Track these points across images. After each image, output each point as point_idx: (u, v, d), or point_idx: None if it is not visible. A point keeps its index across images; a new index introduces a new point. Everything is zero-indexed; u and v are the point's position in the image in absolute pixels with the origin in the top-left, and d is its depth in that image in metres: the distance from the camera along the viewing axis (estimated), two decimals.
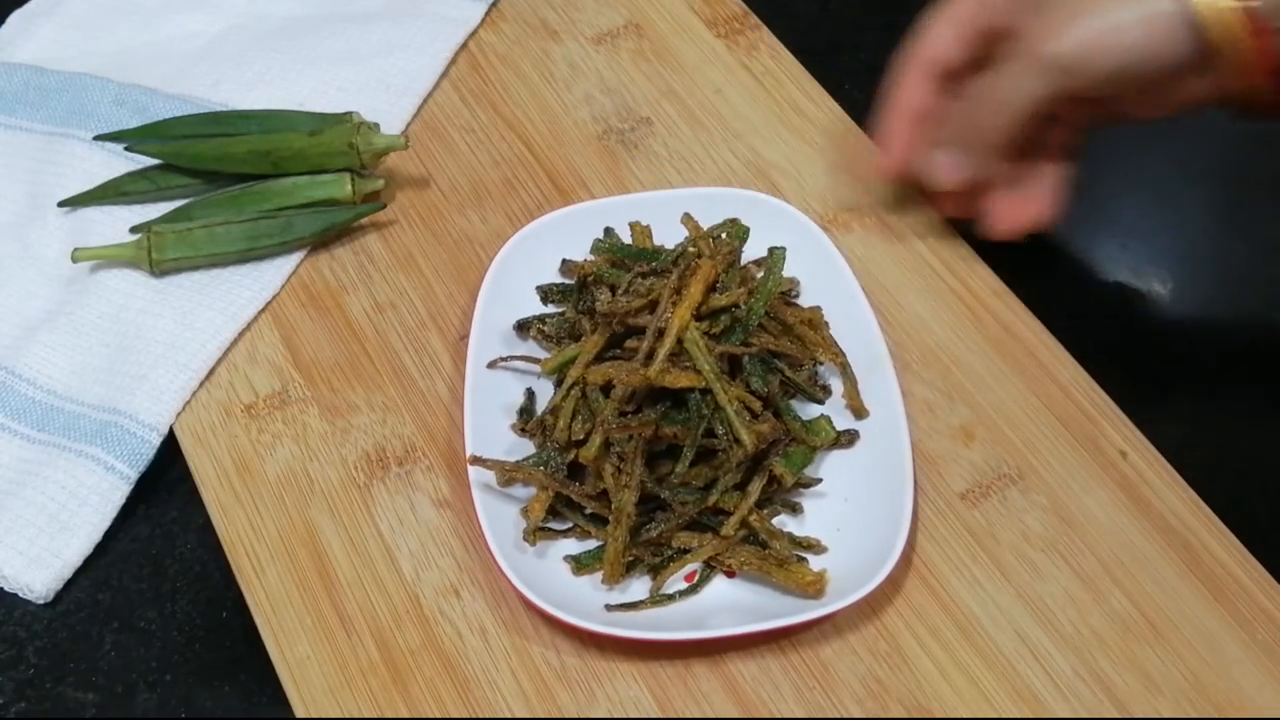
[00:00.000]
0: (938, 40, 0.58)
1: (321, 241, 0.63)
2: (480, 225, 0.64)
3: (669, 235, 0.60)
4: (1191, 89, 0.53)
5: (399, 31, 0.72)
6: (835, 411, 0.56)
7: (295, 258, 0.63)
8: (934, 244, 0.62)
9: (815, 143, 0.66)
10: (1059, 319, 0.61)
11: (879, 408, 0.55)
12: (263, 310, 0.61)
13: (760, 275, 0.57)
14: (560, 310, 0.59)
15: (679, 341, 0.52)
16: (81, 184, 0.65)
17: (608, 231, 0.60)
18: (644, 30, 0.72)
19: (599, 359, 0.54)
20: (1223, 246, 0.65)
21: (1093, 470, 0.55)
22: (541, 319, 0.58)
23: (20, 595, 0.54)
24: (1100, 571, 0.52)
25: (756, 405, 0.52)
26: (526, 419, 0.56)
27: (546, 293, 0.59)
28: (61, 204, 0.65)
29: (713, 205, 0.60)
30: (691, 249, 0.57)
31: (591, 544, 0.53)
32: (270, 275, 0.62)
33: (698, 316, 0.53)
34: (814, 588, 0.50)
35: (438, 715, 0.49)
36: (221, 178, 0.65)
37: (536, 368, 0.57)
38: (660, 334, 0.52)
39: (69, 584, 0.54)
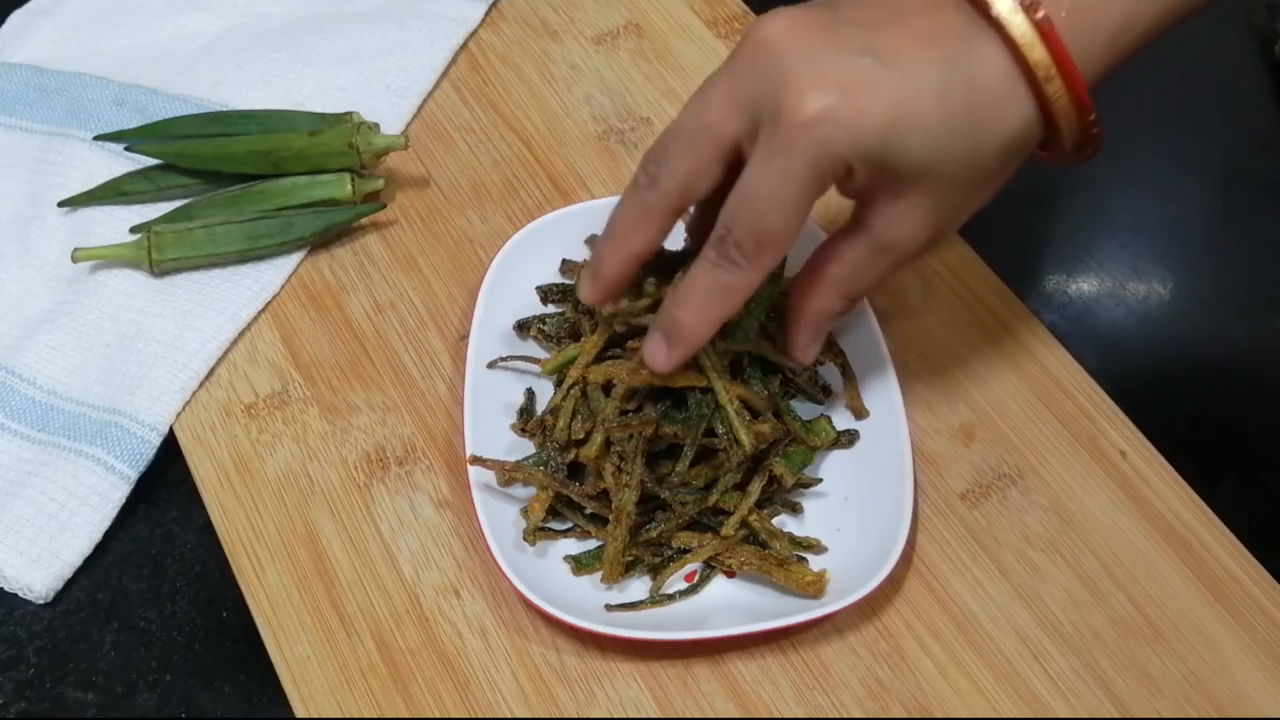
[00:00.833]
0: (788, 236, 0.45)
1: (321, 241, 0.63)
2: (480, 225, 0.64)
3: (669, 236, 0.59)
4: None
5: (399, 31, 0.72)
6: (835, 411, 0.56)
7: (295, 258, 0.63)
8: None
9: None
10: (1059, 319, 0.61)
11: (879, 408, 0.55)
12: (263, 310, 0.61)
13: None
14: (560, 310, 0.59)
15: None
16: (81, 184, 0.65)
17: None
18: (644, 30, 0.72)
19: (599, 359, 0.54)
20: (1223, 246, 0.65)
21: (1093, 470, 0.55)
22: (541, 319, 0.58)
23: (20, 595, 0.54)
24: (1100, 571, 0.52)
25: (761, 403, 0.52)
26: (526, 419, 0.56)
27: (546, 293, 0.59)
28: (61, 204, 0.65)
29: None
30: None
31: (591, 544, 0.53)
32: (270, 275, 0.62)
33: None
34: (814, 588, 0.50)
35: (438, 715, 0.49)
36: (221, 178, 0.65)
37: (536, 368, 0.57)
38: None
39: (69, 584, 0.54)
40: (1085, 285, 0.63)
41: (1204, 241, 0.66)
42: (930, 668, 0.50)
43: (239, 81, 0.69)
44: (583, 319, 0.56)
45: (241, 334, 0.60)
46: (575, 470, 0.53)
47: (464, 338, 0.58)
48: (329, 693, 0.50)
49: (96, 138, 0.66)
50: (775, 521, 0.53)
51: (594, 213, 0.61)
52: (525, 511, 0.53)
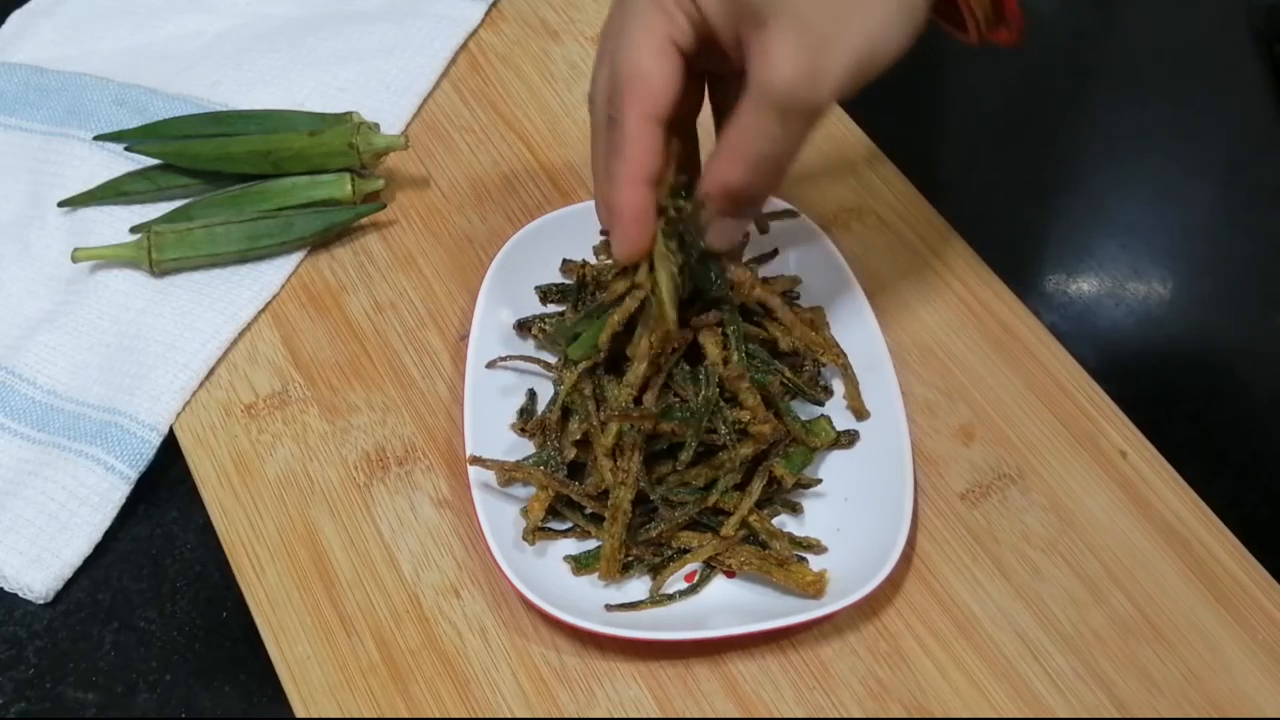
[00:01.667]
0: (648, 76, 0.46)
1: (321, 241, 0.63)
2: (480, 225, 0.64)
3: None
4: None
5: (399, 31, 0.72)
6: (835, 412, 0.56)
7: (295, 258, 0.63)
8: (934, 244, 0.62)
9: (815, 143, 0.66)
10: (1059, 319, 0.61)
11: (879, 408, 0.55)
12: (262, 310, 0.61)
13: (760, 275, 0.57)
14: (560, 310, 0.59)
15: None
16: (81, 184, 0.65)
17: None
18: None
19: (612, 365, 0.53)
20: (1223, 246, 0.65)
21: (1093, 470, 0.55)
22: (541, 319, 0.58)
23: (20, 595, 0.54)
24: (1100, 571, 0.52)
25: (775, 386, 0.53)
26: (526, 419, 0.56)
27: (546, 293, 0.59)
28: (61, 204, 0.65)
29: None
30: None
31: (591, 544, 0.53)
32: (270, 275, 0.62)
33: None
34: (814, 588, 0.50)
35: (438, 715, 0.49)
36: (221, 178, 0.65)
37: (536, 367, 0.57)
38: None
39: (69, 584, 0.54)
40: (1085, 285, 0.63)
41: (1204, 241, 0.66)
42: (930, 668, 0.50)
43: (239, 81, 0.69)
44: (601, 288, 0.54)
45: (241, 334, 0.60)
46: (575, 470, 0.53)
47: (464, 338, 0.58)
48: (329, 693, 0.50)
49: (96, 138, 0.66)
50: (775, 521, 0.53)
51: (594, 213, 0.61)
52: (525, 511, 0.53)
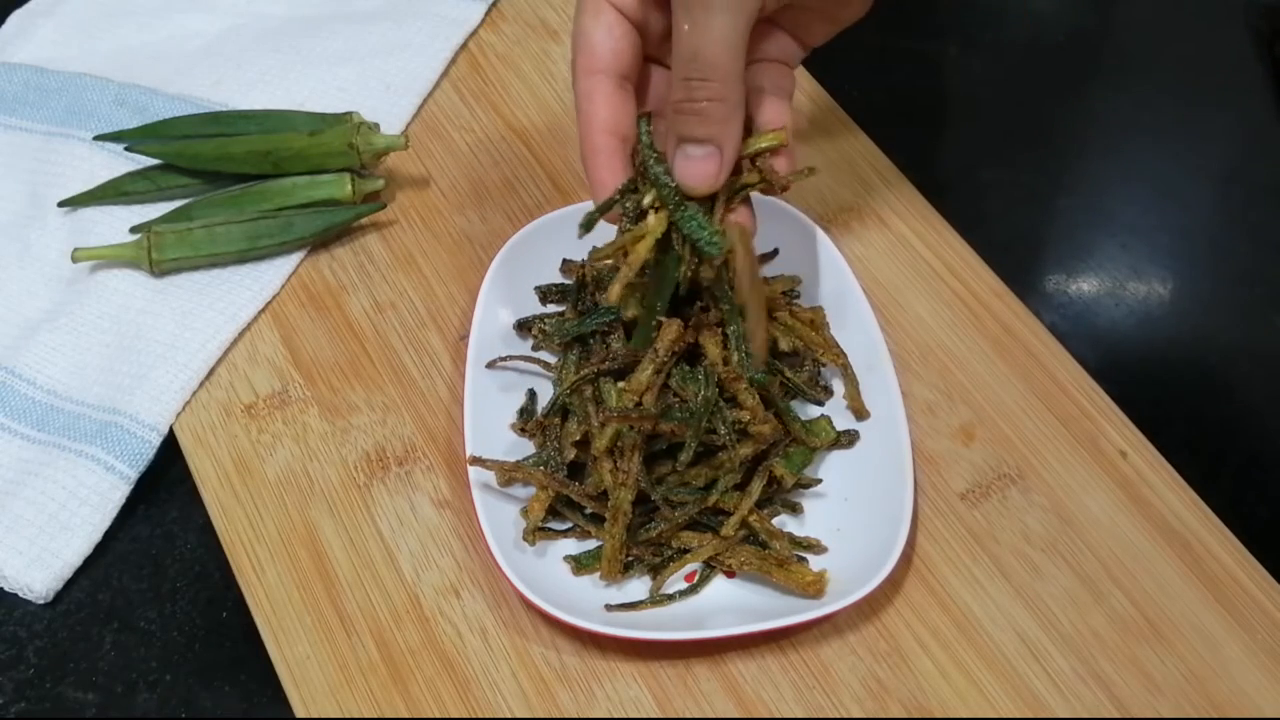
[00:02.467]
0: (587, 34, 0.49)
1: (321, 241, 0.63)
2: (480, 225, 0.64)
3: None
4: None
5: (399, 31, 0.72)
6: (835, 412, 0.56)
7: (295, 258, 0.63)
8: (934, 244, 0.62)
9: (815, 143, 0.66)
10: (1059, 319, 0.61)
11: (879, 408, 0.55)
12: (262, 310, 0.61)
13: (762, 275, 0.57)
14: (560, 310, 0.59)
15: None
16: (81, 184, 0.65)
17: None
18: None
19: (592, 379, 0.53)
20: (1223, 246, 0.65)
21: (1093, 470, 0.55)
22: (541, 319, 0.58)
23: (20, 595, 0.54)
24: (1100, 571, 0.52)
25: (775, 386, 0.52)
26: (526, 419, 0.56)
27: (546, 293, 0.59)
28: (61, 204, 0.65)
29: None
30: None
31: (591, 544, 0.53)
32: (270, 275, 0.62)
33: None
34: (814, 588, 0.50)
35: (438, 715, 0.49)
36: (221, 178, 0.65)
37: (536, 367, 0.57)
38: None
39: (69, 584, 0.54)
40: (1085, 285, 0.63)
41: (1204, 241, 0.66)
42: (930, 668, 0.50)
43: (239, 81, 0.69)
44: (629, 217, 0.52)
45: (241, 334, 0.60)
46: (575, 470, 0.53)
47: (464, 338, 0.58)
48: (329, 693, 0.50)
49: (96, 138, 0.66)
50: (775, 521, 0.53)
51: None
52: (525, 511, 0.53)
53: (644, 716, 0.49)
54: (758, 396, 0.52)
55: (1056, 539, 0.53)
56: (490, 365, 0.57)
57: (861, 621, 0.51)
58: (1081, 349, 0.59)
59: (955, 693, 0.49)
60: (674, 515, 0.52)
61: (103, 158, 0.66)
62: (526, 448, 0.55)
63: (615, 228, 0.52)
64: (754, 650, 0.50)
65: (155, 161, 0.65)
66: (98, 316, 0.61)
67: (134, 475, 0.56)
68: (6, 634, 0.53)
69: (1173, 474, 0.55)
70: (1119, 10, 0.77)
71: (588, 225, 0.51)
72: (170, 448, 0.57)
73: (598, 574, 0.52)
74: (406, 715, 0.49)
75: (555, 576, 0.52)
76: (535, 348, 0.58)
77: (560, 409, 0.54)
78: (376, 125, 0.65)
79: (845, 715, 0.49)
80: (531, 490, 0.53)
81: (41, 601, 0.54)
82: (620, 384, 0.52)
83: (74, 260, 0.61)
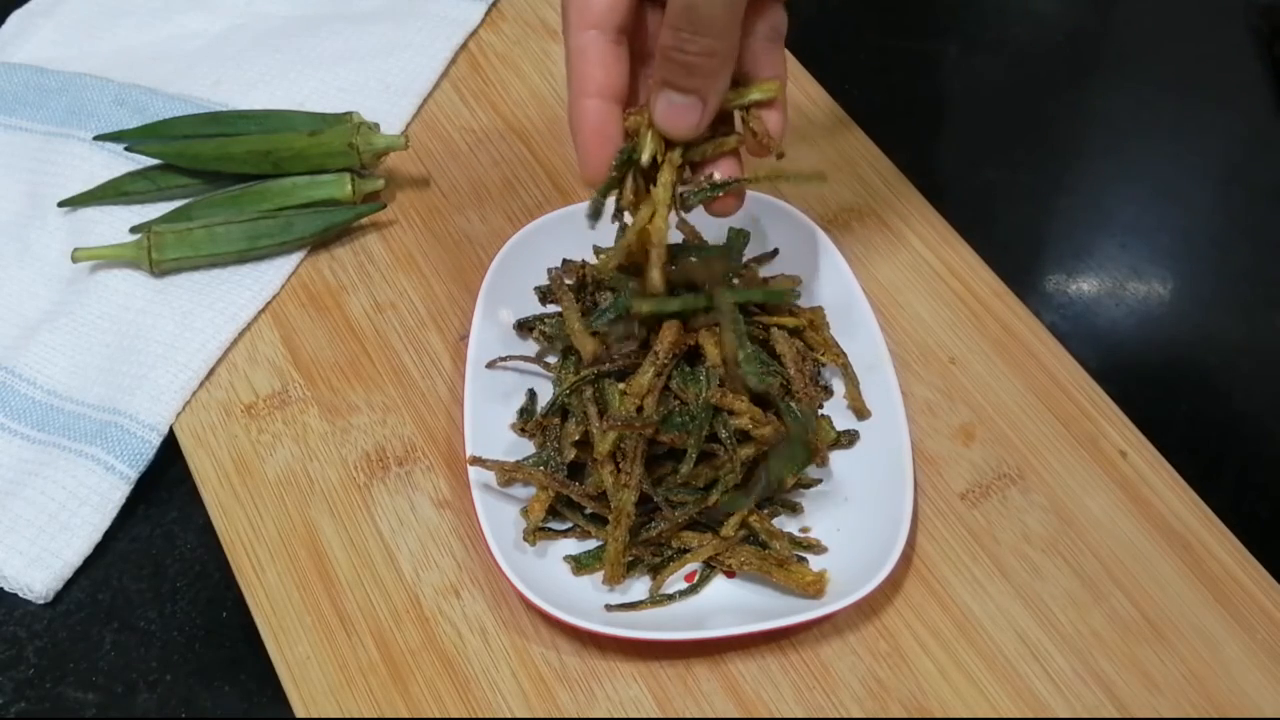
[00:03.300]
0: None
1: (321, 241, 0.63)
2: (480, 225, 0.64)
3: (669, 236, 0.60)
4: None
5: (399, 31, 0.72)
6: (835, 412, 0.56)
7: (295, 258, 0.63)
8: (934, 244, 0.62)
9: (815, 143, 0.66)
10: (1059, 319, 0.61)
11: (879, 408, 0.55)
12: (262, 310, 0.61)
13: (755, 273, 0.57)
14: (560, 310, 0.59)
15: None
16: (81, 184, 0.65)
17: (624, 229, 0.60)
18: None
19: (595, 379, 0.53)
20: (1223, 246, 0.65)
21: (1093, 470, 0.55)
22: (541, 319, 0.58)
23: (20, 595, 0.54)
24: (1100, 571, 0.52)
25: (775, 387, 0.52)
26: (526, 419, 0.56)
27: (546, 293, 0.59)
28: (61, 204, 0.65)
29: None
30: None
31: (591, 544, 0.53)
32: (270, 275, 0.62)
33: None
34: (814, 588, 0.50)
35: (438, 715, 0.49)
36: (221, 178, 0.65)
37: (536, 367, 0.57)
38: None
39: (69, 584, 0.54)
40: (1085, 285, 0.63)
41: (1204, 241, 0.66)
42: (930, 668, 0.50)
43: (239, 81, 0.69)
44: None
45: (241, 334, 0.60)
46: (575, 470, 0.53)
47: (464, 338, 0.58)
48: (329, 693, 0.50)
49: (96, 138, 0.66)
50: (775, 522, 0.53)
51: None
52: (525, 511, 0.53)
53: (644, 716, 0.49)
54: (748, 402, 0.52)
55: (1056, 539, 0.53)
56: (490, 365, 0.57)
57: (861, 621, 0.51)
58: (1081, 349, 0.59)
59: (955, 693, 0.49)
60: (674, 515, 0.51)
61: (103, 158, 0.66)
62: (526, 448, 0.55)
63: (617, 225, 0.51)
64: (754, 650, 0.50)
65: (155, 161, 0.65)
66: (98, 316, 0.61)
67: (134, 475, 0.56)
68: (6, 634, 0.53)
69: (1173, 474, 0.55)
70: (1119, 10, 0.77)
71: (596, 213, 0.49)
72: (170, 448, 0.57)
73: (598, 574, 0.52)
74: (406, 715, 0.49)
75: (555, 576, 0.52)
76: (539, 352, 0.58)
77: (560, 409, 0.54)
78: (376, 125, 0.65)
79: (845, 715, 0.49)
80: (531, 490, 0.53)
81: (41, 601, 0.54)
82: (621, 385, 0.52)
83: (74, 260, 0.61)
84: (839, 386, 0.57)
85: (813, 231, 0.59)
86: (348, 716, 0.49)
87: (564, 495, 0.52)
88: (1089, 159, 0.68)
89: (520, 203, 0.65)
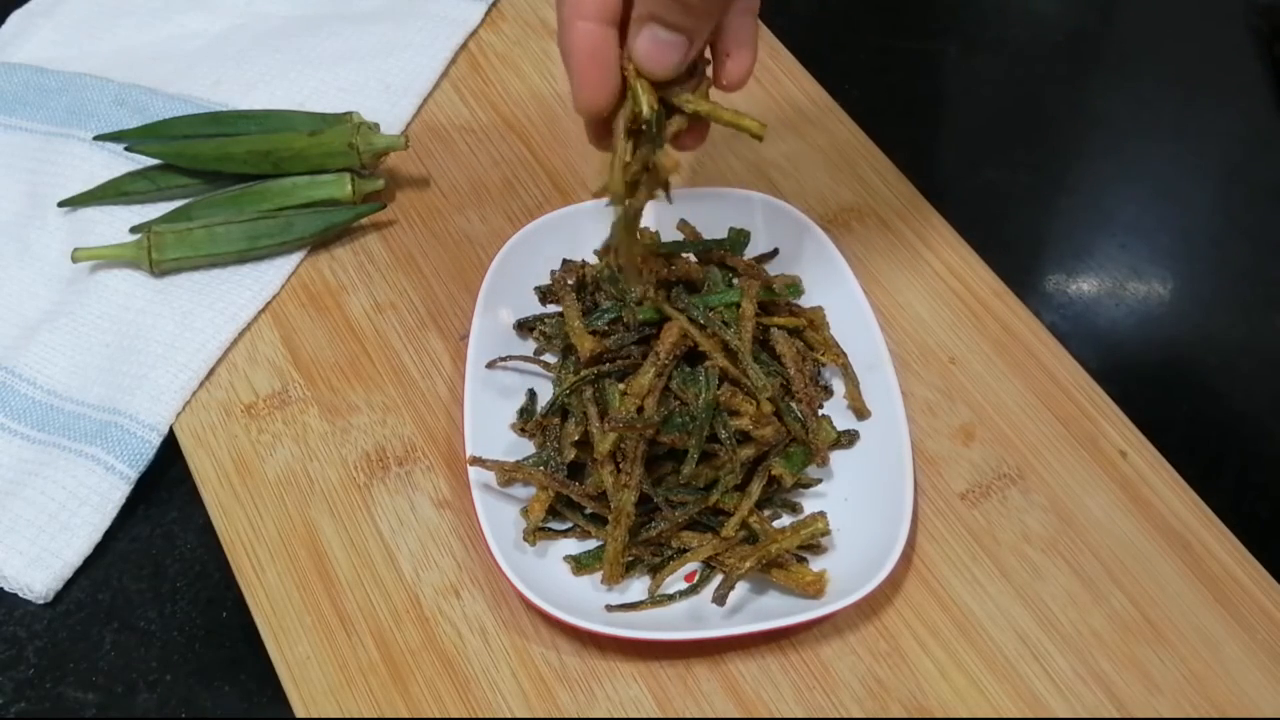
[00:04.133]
0: None
1: (321, 241, 0.63)
2: (480, 225, 0.64)
3: (670, 236, 0.60)
4: None
5: (399, 31, 0.72)
6: (835, 412, 0.56)
7: (295, 258, 0.63)
8: (934, 244, 0.62)
9: (815, 143, 0.66)
10: (1059, 319, 0.61)
11: (879, 408, 0.55)
12: (262, 310, 0.61)
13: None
14: (560, 310, 0.59)
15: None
16: (81, 184, 0.65)
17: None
18: None
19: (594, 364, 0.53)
20: (1222, 246, 0.65)
21: (1093, 470, 0.55)
22: (541, 319, 0.58)
23: (20, 595, 0.54)
24: (1100, 571, 0.52)
25: (774, 387, 0.53)
26: (526, 419, 0.56)
27: (546, 293, 0.59)
28: (61, 204, 0.65)
29: (712, 205, 0.60)
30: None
31: (591, 544, 0.53)
32: (270, 275, 0.62)
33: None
34: (814, 588, 0.50)
35: (438, 715, 0.49)
36: (221, 178, 0.65)
37: (536, 367, 0.57)
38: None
39: (69, 584, 0.54)
40: (1085, 285, 0.63)
41: (1204, 241, 0.66)
42: (930, 668, 0.50)
43: (239, 81, 0.69)
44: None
45: (241, 334, 0.60)
46: (575, 470, 0.53)
47: (464, 338, 0.58)
48: (329, 693, 0.50)
49: (96, 138, 0.66)
50: (775, 523, 0.53)
51: (594, 213, 0.61)
52: (525, 512, 0.53)
53: (644, 716, 0.49)
54: (755, 403, 0.52)
55: (1056, 539, 0.53)
56: (490, 365, 0.57)
57: (861, 621, 0.51)
58: (1081, 349, 0.59)
59: (955, 693, 0.49)
60: (674, 515, 0.51)
61: (103, 158, 0.66)
62: (526, 448, 0.55)
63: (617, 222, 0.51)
64: (754, 650, 0.50)
65: (155, 161, 0.65)
66: (98, 316, 0.61)
67: (134, 475, 0.56)
68: (6, 634, 0.53)
69: (1173, 474, 0.55)
70: (1119, 10, 0.77)
71: (615, 189, 0.46)
72: (170, 448, 0.57)
73: (598, 574, 0.52)
74: (406, 715, 0.49)
75: (555, 576, 0.52)
76: (538, 352, 0.58)
77: (560, 409, 0.54)
78: (376, 125, 0.65)
79: (845, 715, 0.49)
80: (532, 490, 0.53)
81: (41, 601, 0.54)
82: (621, 385, 0.52)
83: (74, 260, 0.61)
84: (839, 386, 0.57)
85: (813, 231, 0.59)
86: (348, 716, 0.49)
87: (564, 495, 0.52)
88: (1089, 159, 0.68)
89: (520, 203, 0.65)
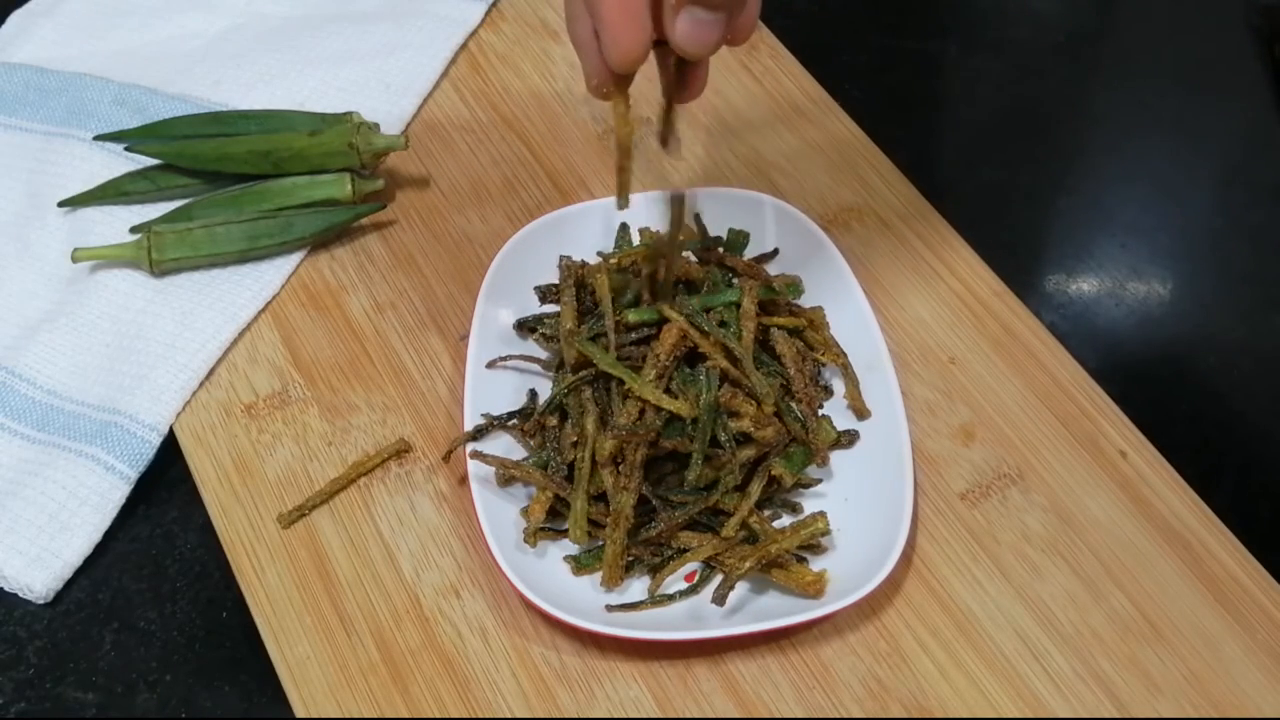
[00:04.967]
0: None
1: (321, 241, 0.63)
2: (480, 225, 0.64)
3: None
4: None
5: (399, 31, 0.72)
6: (835, 412, 0.56)
7: (295, 258, 0.63)
8: (934, 244, 0.62)
9: (815, 143, 0.66)
10: (1059, 319, 0.61)
11: (879, 408, 0.55)
12: (263, 310, 0.61)
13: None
14: (559, 310, 0.59)
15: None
16: (81, 184, 0.65)
17: (623, 228, 0.60)
18: None
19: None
20: (1223, 246, 0.65)
21: (1093, 470, 0.55)
22: (541, 319, 0.58)
23: (20, 595, 0.54)
24: (1100, 571, 0.52)
25: (774, 388, 0.52)
26: (526, 419, 0.56)
27: (546, 293, 0.59)
28: (61, 204, 0.65)
29: (713, 205, 0.60)
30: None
31: (591, 544, 0.53)
32: (270, 275, 0.62)
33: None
34: (814, 588, 0.50)
35: (438, 715, 0.49)
36: (221, 178, 0.65)
37: (536, 368, 0.57)
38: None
39: (69, 584, 0.54)
40: (1085, 285, 0.63)
41: (1204, 241, 0.66)
42: (930, 668, 0.50)
43: (239, 81, 0.69)
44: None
45: (241, 334, 0.60)
46: (574, 470, 0.53)
47: (464, 338, 0.58)
48: (329, 693, 0.50)
49: (96, 138, 0.66)
50: (775, 523, 0.53)
51: (594, 213, 0.61)
52: (525, 512, 0.53)
53: (644, 716, 0.49)
54: (756, 404, 0.52)
55: (1056, 539, 0.53)
56: (490, 365, 0.57)
57: (861, 621, 0.51)
58: (1081, 349, 0.59)
59: (955, 693, 0.49)
60: (674, 516, 0.51)
61: (103, 158, 0.66)
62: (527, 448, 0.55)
63: (629, 224, 0.51)
64: (754, 650, 0.50)
65: (155, 161, 0.65)
66: (98, 316, 0.61)
67: (134, 475, 0.56)
68: (6, 634, 0.53)
69: (1173, 474, 0.55)
70: (1119, 10, 0.77)
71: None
72: (170, 448, 0.57)
73: (598, 574, 0.52)
74: (406, 715, 0.49)
75: (555, 576, 0.52)
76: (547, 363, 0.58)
77: (559, 409, 0.54)
78: (376, 125, 0.65)
79: (845, 715, 0.49)
80: (532, 491, 0.53)
81: (41, 601, 0.54)
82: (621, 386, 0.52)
83: (74, 260, 0.61)
84: (839, 386, 0.57)
85: (813, 231, 0.59)
86: (348, 716, 0.49)
87: (564, 496, 0.52)
88: (1089, 159, 0.68)
89: (520, 203, 0.65)
